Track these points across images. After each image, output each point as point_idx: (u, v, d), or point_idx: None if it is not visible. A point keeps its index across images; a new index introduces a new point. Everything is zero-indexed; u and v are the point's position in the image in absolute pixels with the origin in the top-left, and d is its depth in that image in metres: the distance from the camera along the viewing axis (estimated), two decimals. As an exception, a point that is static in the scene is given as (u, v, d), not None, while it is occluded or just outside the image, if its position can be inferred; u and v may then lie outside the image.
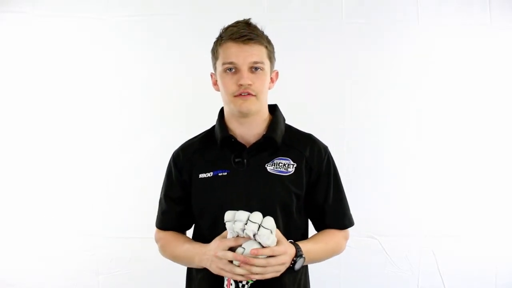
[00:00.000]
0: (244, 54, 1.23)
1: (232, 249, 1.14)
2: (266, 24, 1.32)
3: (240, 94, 1.24)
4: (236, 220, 1.11)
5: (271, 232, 1.11)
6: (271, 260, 1.11)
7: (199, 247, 1.25)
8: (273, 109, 1.37)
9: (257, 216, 1.10)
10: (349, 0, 2.42)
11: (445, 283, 2.39)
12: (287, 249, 1.15)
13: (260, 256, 1.11)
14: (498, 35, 2.42)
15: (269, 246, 1.11)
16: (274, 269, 1.13)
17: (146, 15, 2.41)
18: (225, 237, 1.17)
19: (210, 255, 1.16)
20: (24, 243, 2.40)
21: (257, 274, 1.11)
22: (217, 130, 1.34)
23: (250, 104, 1.25)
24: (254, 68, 1.25)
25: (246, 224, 1.09)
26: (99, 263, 2.39)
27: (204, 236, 1.29)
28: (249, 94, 1.24)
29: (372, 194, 2.36)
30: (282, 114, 1.38)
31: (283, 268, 1.15)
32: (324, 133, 1.42)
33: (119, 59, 2.43)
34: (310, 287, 1.40)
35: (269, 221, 1.11)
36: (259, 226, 1.09)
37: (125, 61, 2.43)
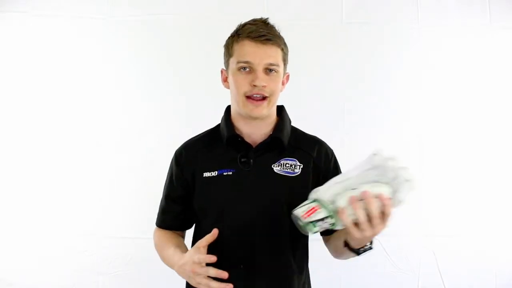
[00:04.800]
0: (261, 54, 1.20)
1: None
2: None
3: (252, 97, 1.21)
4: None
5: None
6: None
7: (178, 256, 1.19)
8: (280, 110, 1.34)
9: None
10: (349, 0, 2.43)
11: (445, 283, 2.39)
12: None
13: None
14: (498, 35, 2.43)
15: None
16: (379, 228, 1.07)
17: (148, 15, 2.41)
18: (200, 248, 1.09)
19: (187, 270, 1.10)
20: (24, 243, 2.39)
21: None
22: (223, 128, 1.30)
23: (261, 110, 1.22)
24: (269, 70, 1.21)
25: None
26: (99, 263, 2.39)
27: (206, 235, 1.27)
28: (263, 98, 1.21)
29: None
30: (288, 116, 1.36)
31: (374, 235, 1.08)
32: (323, 133, 1.41)
33: (120, 59, 2.42)
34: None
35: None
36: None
37: (125, 61, 2.42)
